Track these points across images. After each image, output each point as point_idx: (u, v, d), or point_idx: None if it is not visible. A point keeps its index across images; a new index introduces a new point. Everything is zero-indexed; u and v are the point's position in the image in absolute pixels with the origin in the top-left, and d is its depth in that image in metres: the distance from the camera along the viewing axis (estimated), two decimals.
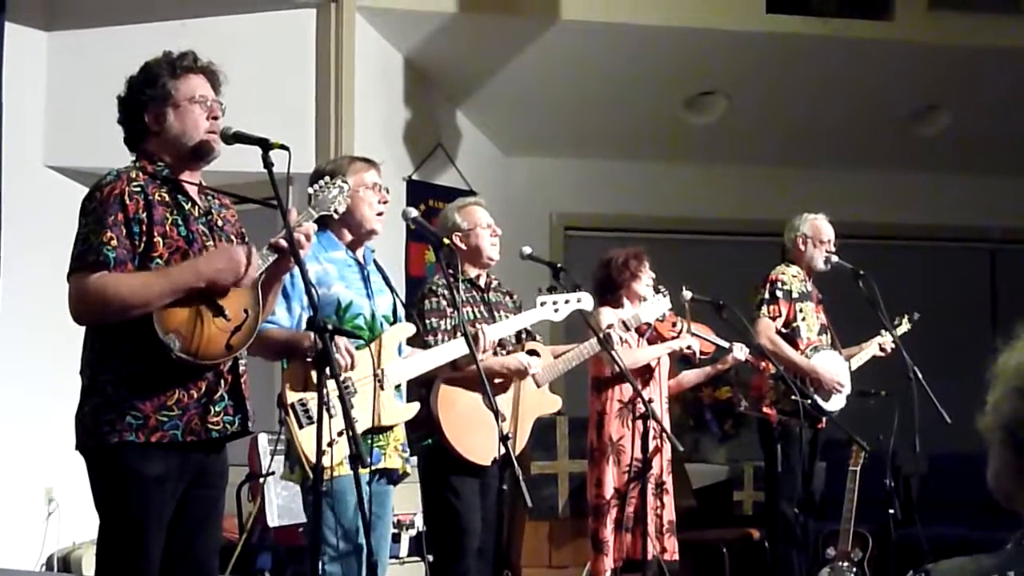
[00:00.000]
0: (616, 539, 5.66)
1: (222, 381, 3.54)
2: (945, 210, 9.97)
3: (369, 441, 4.09)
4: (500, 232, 5.14)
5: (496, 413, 3.99)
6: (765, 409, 6.37)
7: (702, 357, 6.20)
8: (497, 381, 4.87)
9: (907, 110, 9.43)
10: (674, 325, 6.02)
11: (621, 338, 5.42)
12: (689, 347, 5.88)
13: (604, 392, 5.79)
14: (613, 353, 5.09)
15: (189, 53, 3.64)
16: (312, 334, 3.68)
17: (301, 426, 3.98)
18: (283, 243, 3.50)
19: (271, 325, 4.04)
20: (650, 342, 5.96)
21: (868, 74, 8.86)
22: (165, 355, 3.35)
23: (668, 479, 5.85)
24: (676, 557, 5.78)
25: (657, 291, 5.85)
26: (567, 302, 4.91)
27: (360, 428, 3.99)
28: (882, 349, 6.60)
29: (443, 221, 5.17)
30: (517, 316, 4.96)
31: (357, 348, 4.14)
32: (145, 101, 3.56)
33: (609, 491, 5.69)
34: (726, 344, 6.17)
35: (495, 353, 4.91)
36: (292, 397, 4.00)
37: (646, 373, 5.82)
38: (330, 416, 3.45)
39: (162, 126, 3.56)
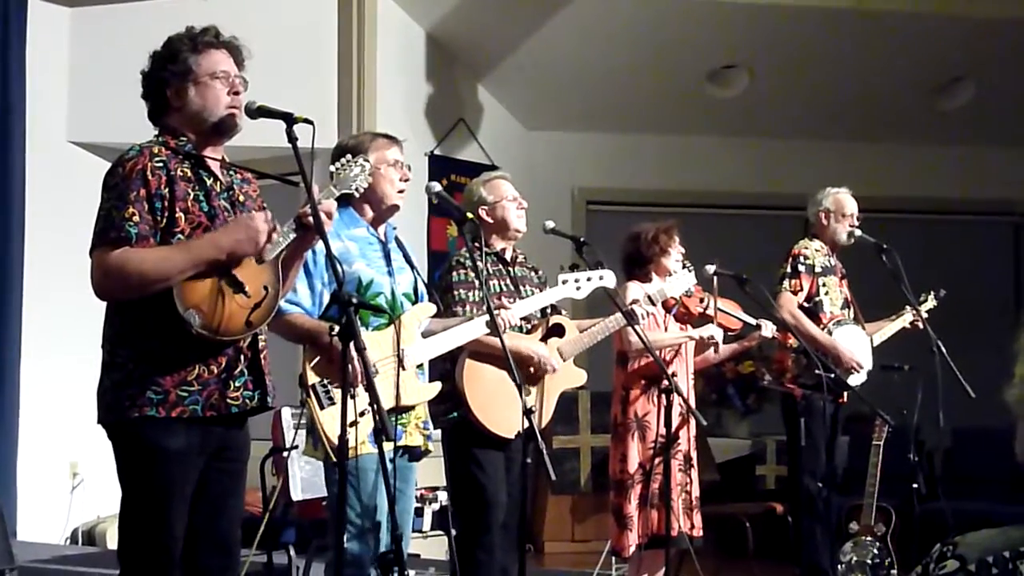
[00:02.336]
0: (640, 515, 5.65)
1: (242, 356, 3.54)
2: (969, 183, 9.92)
3: (392, 419, 4.10)
4: (526, 205, 5.14)
5: (520, 387, 4.00)
6: (787, 383, 6.36)
7: (730, 334, 6.17)
8: (530, 370, 4.89)
9: (931, 82, 9.38)
10: (701, 301, 5.99)
11: (647, 312, 5.40)
12: (712, 337, 5.83)
13: (629, 367, 5.78)
14: (637, 328, 5.08)
15: (211, 28, 3.64)
16: (331, 329, 3.68)
17: (323, 407, 3.99)
18: (310, 219, 3.49)
19: (295, 308, 4.05)
20: (677, 318, 5.93)
21: (891, 46, 8.81)
22: (185, 331, 3.36)
23: (695, 455, 5.84)
24: (701, 533, 5.78)
25: (683, 266, 5.82)
26: (589, 280, 4.90)
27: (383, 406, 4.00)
28: (913, 325, 6.56)
29: (468, 195, 5.17)
30: (539, 294, 4.96)
31: (378, 328, 4.15)
32: (167, 77, 3.56)
33: (633, 466, 5.67)
34: (753, 321, 6.14)
35: (520, 327, 4.91)
36: (313, 378, 4.01)
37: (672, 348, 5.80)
38: (353, 396, 3.45)
39: (183, 101, 3.56)
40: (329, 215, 3.59)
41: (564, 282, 4.88)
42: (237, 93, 3.60)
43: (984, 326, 7.74)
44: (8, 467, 7.16)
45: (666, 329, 5.84)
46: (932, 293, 6.74)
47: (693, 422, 5.66)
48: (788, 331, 6.16)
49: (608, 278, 4.94)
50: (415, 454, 4.34)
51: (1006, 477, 7.60)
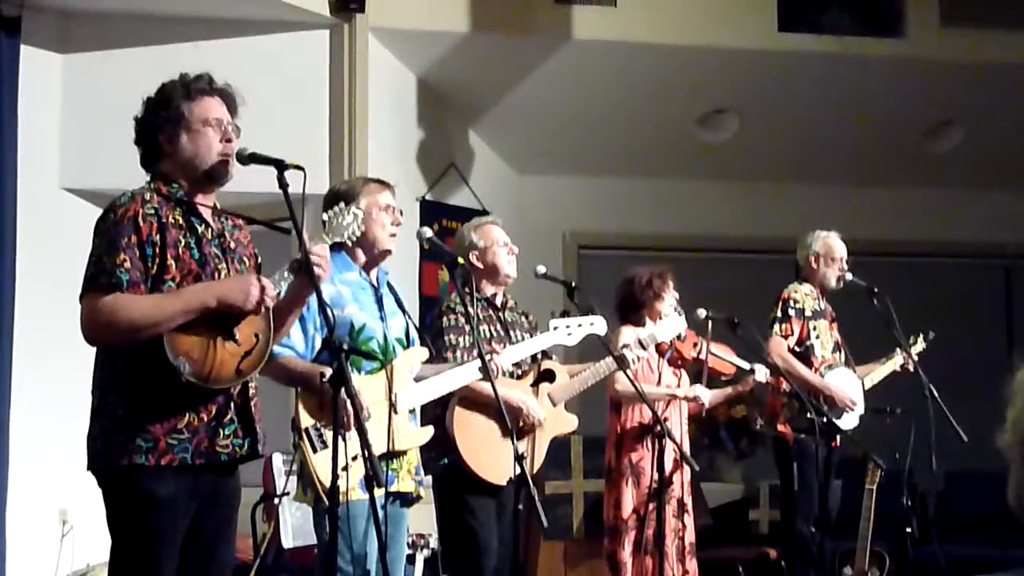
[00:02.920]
0: (635, 561, 5.63)
1: (231, 404, 3.53)
2: (959, 227, 9.94)
3: (383, 464, 4.08)
4: (517, 251, 5.15)
5: (512, 433, 3.99)
6: (780, 427, 6.35)
7: (723, 378, 6.17)
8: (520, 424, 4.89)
9: (920, 127, 9.42)
10: (695, 345, 5.99)
11: (638, 357, 5.40)
12: (697, 397, 5.83)
13: (623, 412, 5.77)
14: (628, 374, 5.08)
15: (204, 75, 3.65)
16: (322, 375, 3.67)
17: (315, 450, 3.98)
18: (304, 261, 3.48)
19: (288, 351, 4.05)
20: (670, 363, 5.94)
21: (881, 91, 8.85)
22: (175, 378, 3.35)
23: (689, 500, 5.82)
24: None
25: (674, 310, 5.82)
26: (580, 326, 4.91)
27: (374, 452, 3.98)
28: (903, 368, 6.56)
29: (459, 240, 5.18)
30: (531, 340, 4.96)
31: (370, 372, 4.14)
32: (159, 123, 3.57)
33: (627, 512, 5.66)
34: (747, 365, 6.14)
35: (512, 375, 4.90)
36: (306, 422, 4.00)
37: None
38: (345, 440, 3.44)
39: (175, 148, 3.57)
40: (325, 264, 3.57)
41: (555, 328, 4.89)
42: (229, 140, 3.60)
43: (976, 369, 7.74)
44: None
45: (660, 374, 5.83)
46: (921, 336, 6.75)
47: (687, 467, 5.65)
48: (780, 375, 6.17)
49: (599, 325, 4.95)
50: (407, 500, 4.33)
51: (999, 520, 7.58)
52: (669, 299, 5.87)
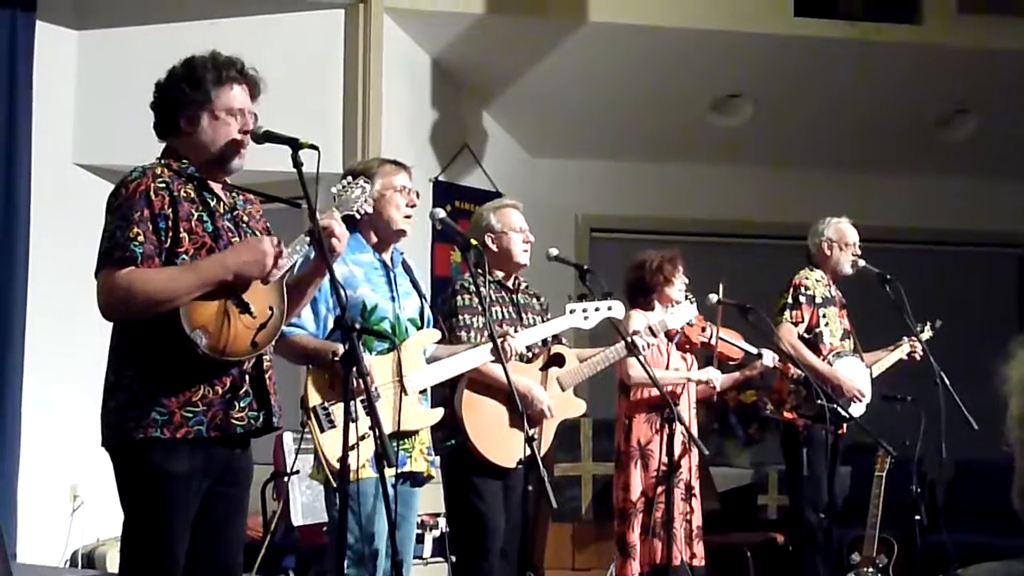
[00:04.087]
0: (643, 544, 5.64)
1: (246, 377, 3.54)
2: (972, 214, 9.92)
3: (395, 445, 4.09)
4: (532, 239, 5.11)
5: (523, 416, 4.00)
6: (786, 414, 6.34)
7: (731, 363, 6.18)
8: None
9: (935, 114, 9.39)
10: (703, 330, 5.99)
11: (647, 343, 5.37)
12: (710, 381, 5.83)
13: (632, 396, 5.77)
14: (640, 359, 5.07)
15: (237, 61, 3.61)
16: (334, 354, 3.68)
17: (323, 430, 3.99)
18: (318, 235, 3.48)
19: (299, 330, 4.05)
20: (679, 347, 5.94)
21: (895, 78, 8.82)
22: (190, 351, 3.35)
23: (697, 484, 5.83)
24: (703, 562, 5.76)
25: (685, 297, 5.82)
26: (597, 310, 4.88)
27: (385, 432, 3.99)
28: (911, 356, 6.55)
29: (476, 220, 5.16)
30: (546, 323, 4.94)
31: (381, 352, 4.15)
32: (183, 100, 3.56)
33: (636, 495, 5.67)
34: (755, 350, 6.14)
35: (522, 358, 4.89)
36: (314, 401, 4.01)
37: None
38: (355, 420, 3.45)
39: (194, 129, 3.56)
40: (340, 237, 3.57)
41: (572, 312, 4.87)
42: (247, 132, 3.59)
43: (987, 357, 7.71)
44: (8, 489, 7.14)
45: (668, 358, 5.84)
46: (929, 324, 6.73)
47: (695, 451, 5.65)
48: (789, 361, 6.16)
49: (617, 309, 4.93)
50: (418, 480, 4.34)
51: (1008, 509, 7.54)
52: (679, 283, 5.86)
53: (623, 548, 5.68)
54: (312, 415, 4.00)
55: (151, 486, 3.42)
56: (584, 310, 4.87)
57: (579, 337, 6.46)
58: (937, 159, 9.61)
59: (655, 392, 5.62)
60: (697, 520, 5.78)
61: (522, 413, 4.02)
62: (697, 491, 5.83)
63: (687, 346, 6.04)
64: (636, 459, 5.70)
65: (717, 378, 5.85)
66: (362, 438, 3.71)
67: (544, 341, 5.06)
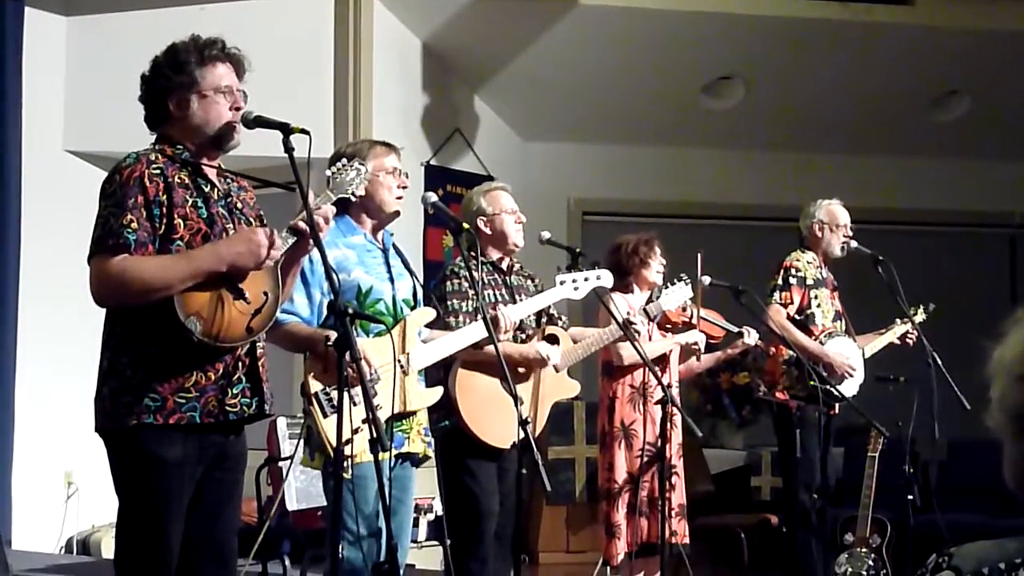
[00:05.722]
0: (629, 523, 5.65)
1: (239, 363, 3.54)
2: (965, 195, 9.94)
3: (392, 425, 4.10)
4: (524, 220, 5.13)
5: (515, 397, 4.00)
6: (779, 395, 6.36)
7: (712, 342, 6.19)
8: (520, 370, 4.89)
9: (927, 95, 9.40)
10: (684, 309, 6.01)
11: (639, 327, 5.38)
12: (695, 343, 5.85)
13: (615, 377, 5.78)
14: (636, 342, 5.08)
15: (218, 41, 3.61)
16: (327, 337, 3.68)
17: (326, 415, 3.98)
18: (302, 225, 3.50)
19: (292, 317, 4.05)
20: (660, 326, 5.95)
21: (888, 59, 8.83)
22: (184, 338, 3.35)
23: (679, 463, 5.84)
24: (687, 540, 5.77)
25: (680, 279, 5.83)
26: (587, 280, 4.92)
27: (385, 414, 4.00)
28: (904, 339, 6.56)
29: (467, 205, 5.17)
30: (538, 295, 4.96)
31: (379, 334, 4.14)
32: (170, 86, 3.55)
33: (621, 476, 5.68)
34: (735, 329, 6.17)
35: (515, 337, 4.90)
36: (315, 386, 4.01)
37: (661, 359, 5.80)
38: (353, 404, 3.44)
39: (185, 112, 3.55)
40: (326, 220, 3.59)
41: (562, 283, 4.90)
42: (239, 108, 3.59)
43: (980, 338, 7.73)
44: (3, 475, 7.15)
45: (650, 338, 5.84)
46: (922, 307, 6.74)
47: (678, 430, 5.67)
48: (780, 342, 6.17)
49: (605, 278, 4.97)
50: (416, 460, 4.35)
51: (1001, 489, 7.57)
52: (656, 265, 5.86)
53: (608, 528, 5.70)
54: (315, 401, 4.00)
55: (144, 472, 3.42)
56: (574, 280, 4.90)
57: (572, 315, 6.47)
58: (930, 140, 9.62)
59: (638, 373, 5.65)
60: (679, 499, 5.79)
61: (515, 395, 4.02)
62: (679, 470, 5.83)
63: (668, 325, 6.05)
64: (620, 440, 5.71)
65: (701, 340, 5.86)
66: (364, 422, 3.70)
67: (538, 322, 5.07)
